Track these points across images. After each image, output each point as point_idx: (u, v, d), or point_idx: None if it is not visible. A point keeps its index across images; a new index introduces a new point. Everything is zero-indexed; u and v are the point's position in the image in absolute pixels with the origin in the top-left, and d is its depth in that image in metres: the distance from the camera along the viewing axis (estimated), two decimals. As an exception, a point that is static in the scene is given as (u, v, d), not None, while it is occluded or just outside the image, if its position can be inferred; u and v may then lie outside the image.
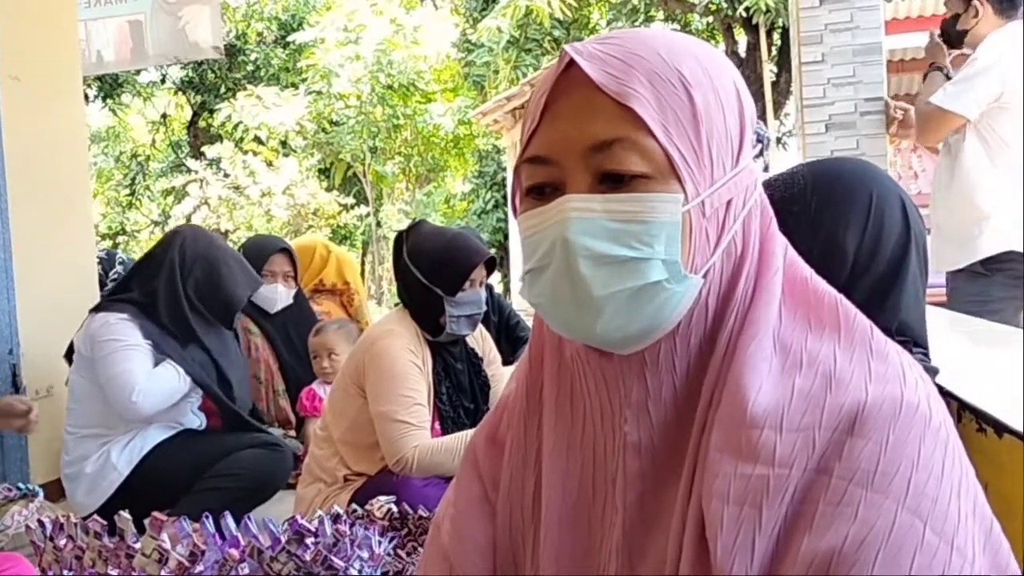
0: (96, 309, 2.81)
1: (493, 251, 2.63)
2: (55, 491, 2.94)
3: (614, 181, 0.71)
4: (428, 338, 2.46)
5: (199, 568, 1.44)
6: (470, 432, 2.29)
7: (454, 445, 2.28)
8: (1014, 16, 3.07)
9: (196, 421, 2.91)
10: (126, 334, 2.69)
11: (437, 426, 2.43)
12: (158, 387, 2.67)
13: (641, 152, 0.70)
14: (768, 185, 1.28)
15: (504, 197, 14.67)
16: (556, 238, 0.71)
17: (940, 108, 2.99)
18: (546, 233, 0.72)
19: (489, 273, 2.55)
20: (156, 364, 2.72)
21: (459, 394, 2.51)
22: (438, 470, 2.25)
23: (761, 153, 0.74)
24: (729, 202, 0.74)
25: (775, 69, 12.62)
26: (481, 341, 2.67)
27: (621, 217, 0.70)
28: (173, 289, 2.81)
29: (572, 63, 0.72)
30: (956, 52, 3.24)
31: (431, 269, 2.41)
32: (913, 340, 1.24)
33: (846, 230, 1.24)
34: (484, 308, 2.50)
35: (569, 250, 0.70)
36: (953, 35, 3.19)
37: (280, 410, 3.67)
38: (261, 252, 3.67)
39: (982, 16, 3.05)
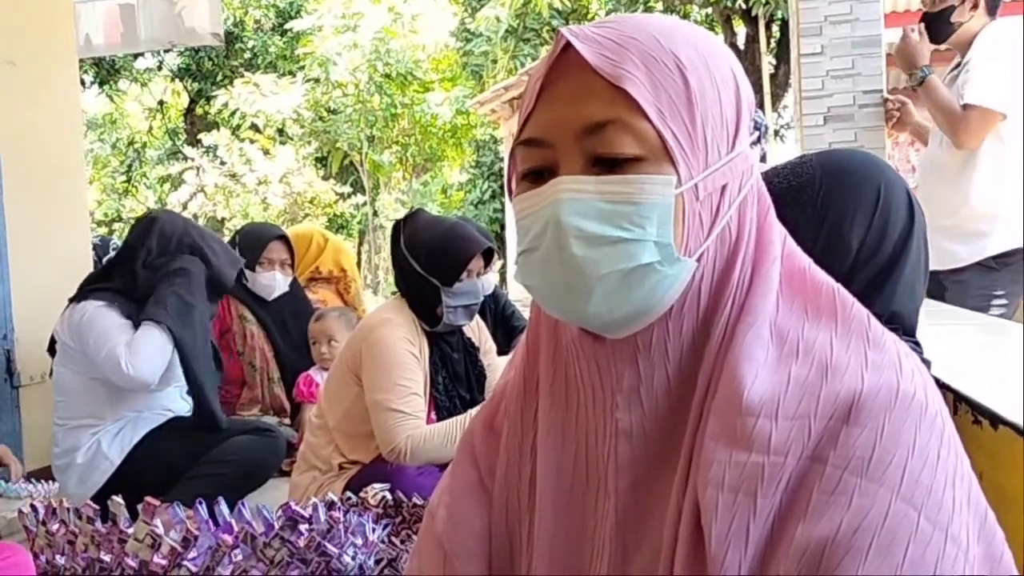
0: (75, 299, 2.78)
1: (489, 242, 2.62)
2: (49, 476, 2.93)
3: (608, 163, 0.71)
4: (425, 328, 2.45)
5: (192, 553, 1.44)
6: (462, 418, 2.30)
7: (447, 432, 2.28)
8: (996, 16, 3.06)
9: (185, 407, 2.89)
10: (105, 318, 2.68)
11: (433, 415, 2.43)
12: (144, 349, 2.63)
13: (635, 134, 0.70)
14: (776, 173, 1.29)
15: (501, 187, 14.65)
16: (548, 219, 0.71)
17: (984, 108, 2.90)
18: (539, 215, 0.72)
19: (487, 263, 2.54)
20: None
21: (455, 384, 2.51)
22: (432, 458, 2.25)
23: (758, 141, 0.74)
24: (724, 187, 0.74)
25: (774, 61, 12.61)
26: (477, 331, 2.67)
27: (613, 198, 0.70)
28: (150, 276, 2.78)
29: (568, 46, 0.72)
30: (933, 48, 3.18)
31: (428, 259, 2.40)
32: (903, 329, 1.25)
33: (852, 222, 1.24)
34: (481, 298, 2.49)
35: (561, 231, 0.70)
36: (942, 28, 3.08)
37: (275, 397, 3.67)
38: (259, 239, 3.66)
39: (979, 10, 3.02)
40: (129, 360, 2.59)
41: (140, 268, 2.78)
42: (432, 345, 2.46)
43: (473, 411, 2.28)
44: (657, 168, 0.70)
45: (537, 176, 0.74)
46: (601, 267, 0.70)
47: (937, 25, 3.11)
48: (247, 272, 3.52)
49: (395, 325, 2.40)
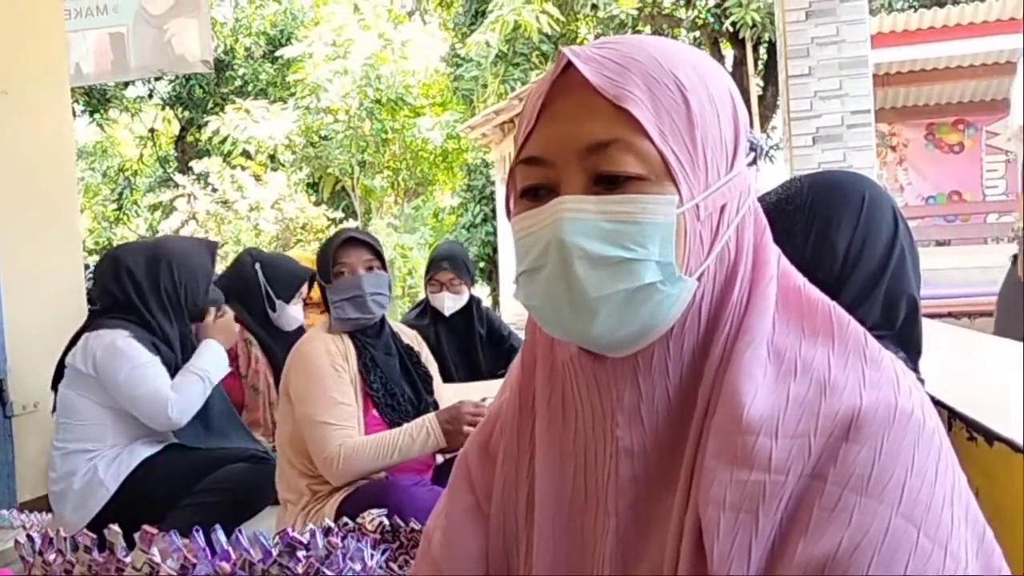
0: (91, 327, 2.77)
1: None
2: (43, 507, 2.91)
3: (609, 183, 0.71)
4: (348, 334, 2.49)
5: (189, 582, 1.43)
6: (395, 432, 2.30)
7: (379, 443, 2.28)
8: None
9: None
10: (137, 352, 2.70)
11: (374, 412, 2.44)
12: (188, 396, 2.72)
13: (637, 154, 0.70)
14: (766, 193, 1.33)
15: (493, 211, 14.67)
16: (551, 239, 0.71)
17: None
18: (540, 234, 0.72)
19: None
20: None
21: (391, 382, 2.52)
22: (365, 468, 2.26)
23: (755, 161, 0.75)
24: (723, 207, 0.74)
25: (761, 83, 12.70)
26: (417, 345, 2.70)
27: (615, 218, 0.70)
28: (163, 313, 2.85)
29: (569, 66, 0.72)
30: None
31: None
32: (897, 339, 1.27)
33: (838, 227, 1.28)
34: (366, 291, 2.47)
35: (564, 251, 0.70)
36: None
37: (275, 422, 3.68)
38: (297, 277, 3.77)
39: None
40: (176, 404, 2.68)
41: (139, 304, 2.81)
42: (360, 350, 2.49)
43: (407, 426, 2.31)
44: (659, 188, 0.71)
45: (535, 194, 0.75)
46: (605, 287, 0.70)
47: None
48: (276, 303, 3.63)
49: (316, 339, 2.44)
